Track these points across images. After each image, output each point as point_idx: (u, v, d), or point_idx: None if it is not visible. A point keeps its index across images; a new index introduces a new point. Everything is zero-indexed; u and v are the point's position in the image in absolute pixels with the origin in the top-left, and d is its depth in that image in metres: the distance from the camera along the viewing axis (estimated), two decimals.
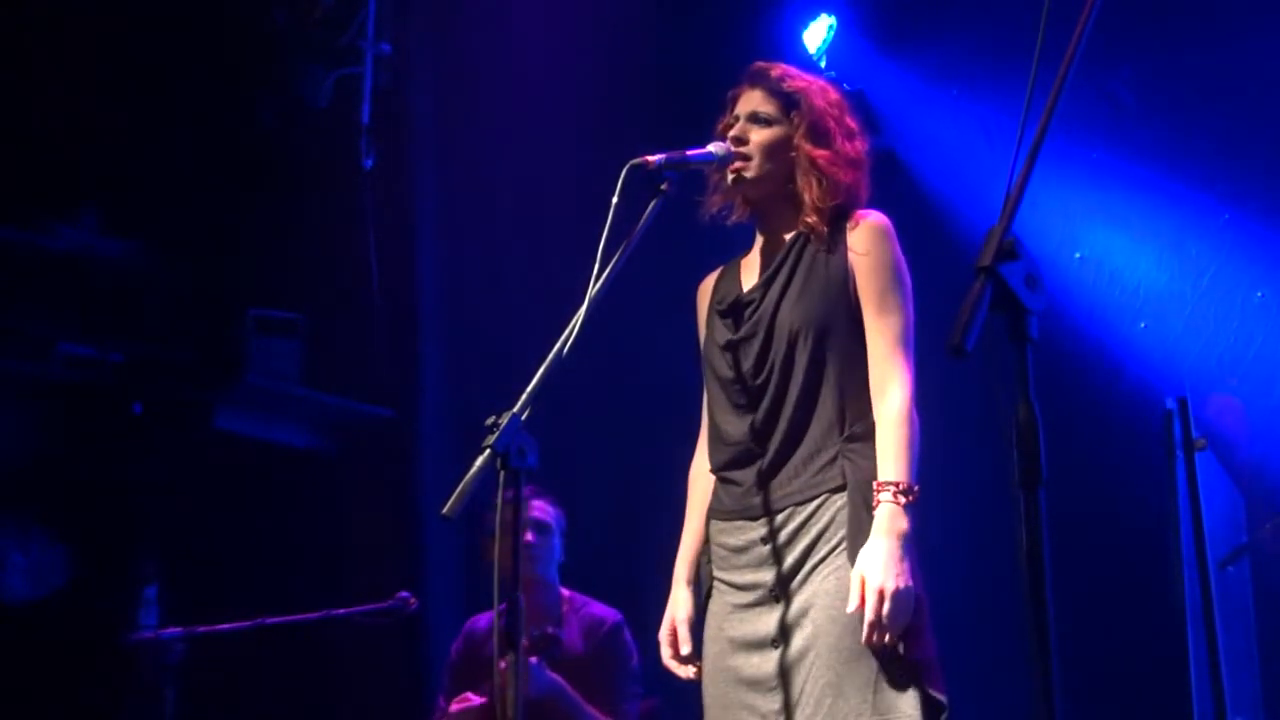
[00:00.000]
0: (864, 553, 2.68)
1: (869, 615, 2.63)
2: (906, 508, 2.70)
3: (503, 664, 3.87)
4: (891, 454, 2.74)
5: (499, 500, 2.48)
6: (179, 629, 4.06)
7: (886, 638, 2.64)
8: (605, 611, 4.36)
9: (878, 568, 2.64)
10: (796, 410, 2.87)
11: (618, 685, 4.24)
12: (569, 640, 4.24)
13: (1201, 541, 3.81)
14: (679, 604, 3.02)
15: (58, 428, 5.09)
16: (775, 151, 2.98)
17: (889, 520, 2.69)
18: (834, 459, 2.83)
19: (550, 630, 4.09)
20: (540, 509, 4.37)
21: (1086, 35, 1.83)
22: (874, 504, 2.72)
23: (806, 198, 2.96)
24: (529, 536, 4.29)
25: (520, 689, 2.57)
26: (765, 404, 2.90)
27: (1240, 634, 4.13)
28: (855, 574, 2.67)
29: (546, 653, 4.04)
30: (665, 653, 3.02)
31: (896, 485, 2.71)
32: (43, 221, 5.05)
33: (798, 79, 3.05)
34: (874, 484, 2.74)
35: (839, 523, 2.79)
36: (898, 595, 2.63)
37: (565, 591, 4.41)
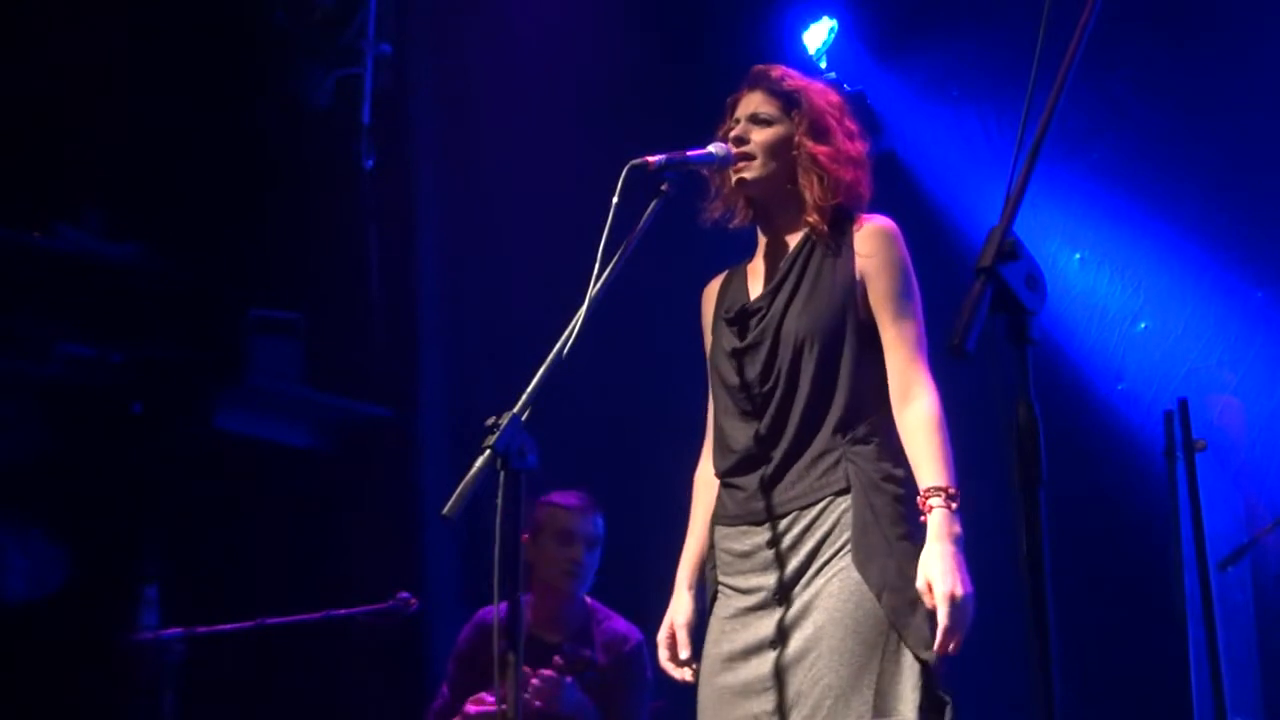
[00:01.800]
0: (925, 558, 2.68)
1: (944, 621, 2.64)
2: (956, 512, 2.72)
3: (547, 672, 3.90)
4: (934, 459, 2.75)
5: (513, 500, 2.47)
6: (179, 629, 4.07)
7: (955, 641, 2.66)
8: (628, 629, 4.34)
9: (946, 574, 2.65)
10: (802, 417, 2.87)
11: (635, 703, 4.25)
12: (590, 648, 4.25)
13: (1201, 542, 3.81)
14: (679, 608, 3.03)
15: (58, 428, 5.08)
16: (777, 150, 2.98)
17: (944, 525, 2.70)
18: (838, 462, 2.83)
19: (587, 653, 4.09)
20: (597, 524, 4.37)
21: (1086, 36, 1.84)
22: (924, 510, 2.72)
23: (808, 196, 2.96)
24: (583, 554, 4.30)
25: (522, 691, 2.56)
26: (771, 411, 2.90)
27: (1240, 634, 4.14)
28: (920, 579, 2.68)
29: (580, 674, 4.05)
30: (662, 655, 3.03)
31: (945, 490, 2.72)
32: (43, 221, 5.05)
33: (797, 79, 3.05)
34: (921, 490, 2.75)
35: (843, 525, 2.79)
36: (965, 600, 2.66)
37: (588, 601, 4.40)
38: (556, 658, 4.03)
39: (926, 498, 2.73)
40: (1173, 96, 4.93)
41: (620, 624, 4.36)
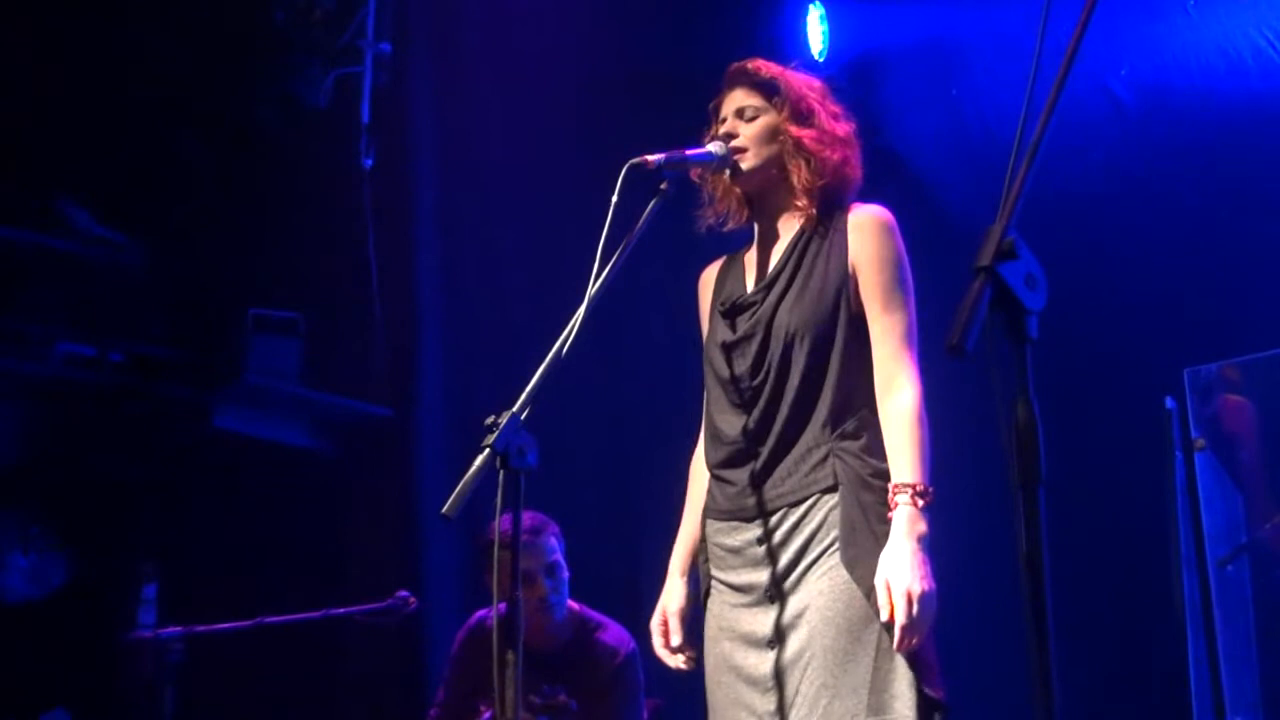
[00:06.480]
0: (886, 556, 2.67)
1: (900, 619, 2.62)
2: (924, 510, 2.70)
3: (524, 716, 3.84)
4: (907, 454, 2.74)
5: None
6: (179, 629, 4.07)
7: (914, 640, 2.64)
8: (618, 639, 4.27)
9: (903, 571, 2.64)
10: (791, 412, 2.87)
11: (627, 717, 4.21)
12: (580, 662, 4.19)
13: (1201, 541, 3.82)
14: (672, 595, 3.04)
15: (58, 428, 5.09)
16: (767, 139, 2.98)
17: (909, 523, 2.68)
18: (825, 458, 2.83)
19: (562, 698, 4.03)
20: (550, 547, 4.22)
21: (1086, 35, 1.83)
22: (891, 505, 2.71)
23: (796, 180, 2.96)
24: (548, 588, 4.16)
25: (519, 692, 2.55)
26: (761, 405, 2.90)
27: (1240, 634, 4.14)
28: (879, 578, 2.67)
29: (555, 715, 4.01)
30: (656, 641, 3.04)
31: (914, 487, 2.70)
32: (42, 221, 5.05)
33: (773, 67, 3.07)
34: (890, 485, 2.73)
35: (831, 523, 2.79)
36: (924, 597, 2.63)
37: (575, 605, 4.32)
38: (533, 697, 3.97)
39: (894, 494, 2.71)
40: (1174, 92, 4.92)
41: (611, 635, 4.29)
